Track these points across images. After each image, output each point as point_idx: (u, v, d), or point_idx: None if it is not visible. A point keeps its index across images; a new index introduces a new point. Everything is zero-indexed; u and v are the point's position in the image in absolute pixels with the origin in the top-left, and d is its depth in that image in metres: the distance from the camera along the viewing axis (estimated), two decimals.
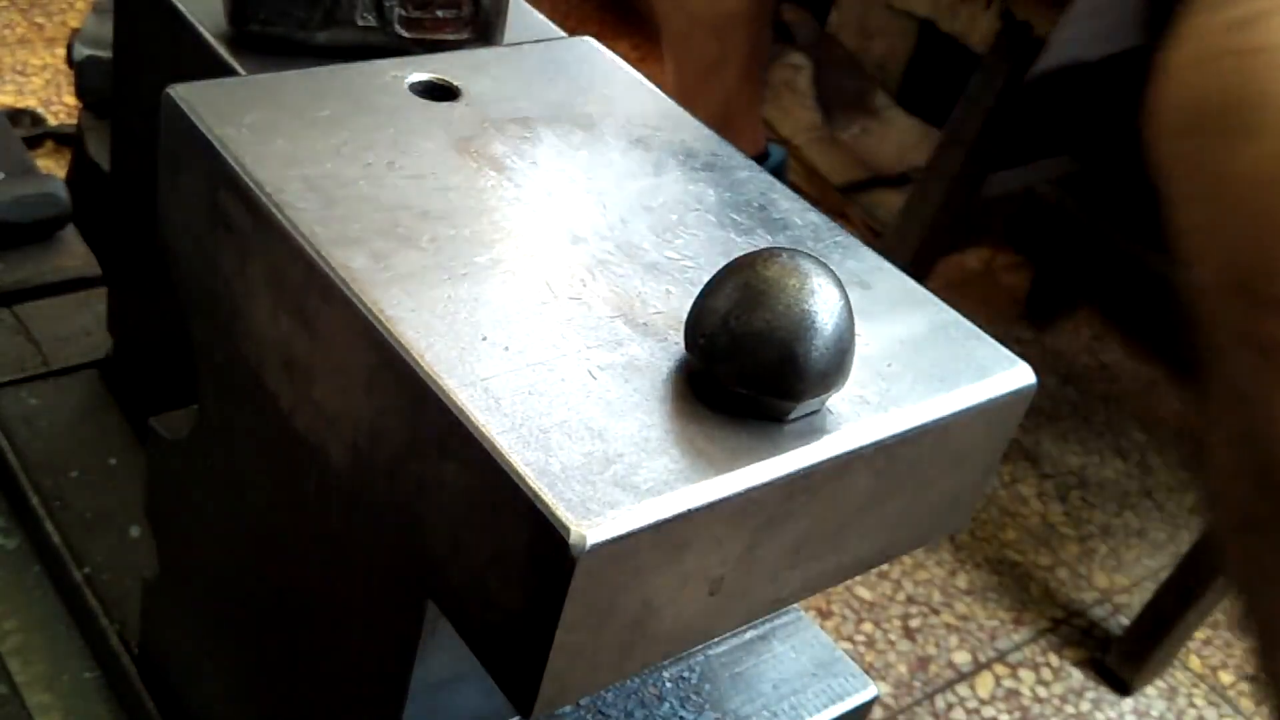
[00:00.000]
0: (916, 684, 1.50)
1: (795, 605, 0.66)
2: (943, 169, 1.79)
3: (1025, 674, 1.55)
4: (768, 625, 0.69)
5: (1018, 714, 1.50)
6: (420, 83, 0.59)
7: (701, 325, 0.45)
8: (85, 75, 1.10)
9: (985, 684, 1.52)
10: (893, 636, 1.54)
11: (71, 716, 0.74)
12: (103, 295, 0.95)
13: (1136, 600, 1.66)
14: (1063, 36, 1.35)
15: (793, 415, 0.46)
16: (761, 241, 0.55)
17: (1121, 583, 1.71)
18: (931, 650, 1.54)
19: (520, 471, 0.41)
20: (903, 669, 1.51)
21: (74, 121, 1.24)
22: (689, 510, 0.42)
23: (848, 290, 0.45)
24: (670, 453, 0.43)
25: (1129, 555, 1.76)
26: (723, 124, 0.75)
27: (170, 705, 0.72)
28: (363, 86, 0.58)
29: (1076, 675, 1.56)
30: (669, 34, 1.63)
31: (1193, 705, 1.56)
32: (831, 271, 0.45)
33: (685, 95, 1.43)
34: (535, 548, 0.40)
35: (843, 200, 2.14)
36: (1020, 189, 1.85)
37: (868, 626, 1.55)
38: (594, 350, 0.47)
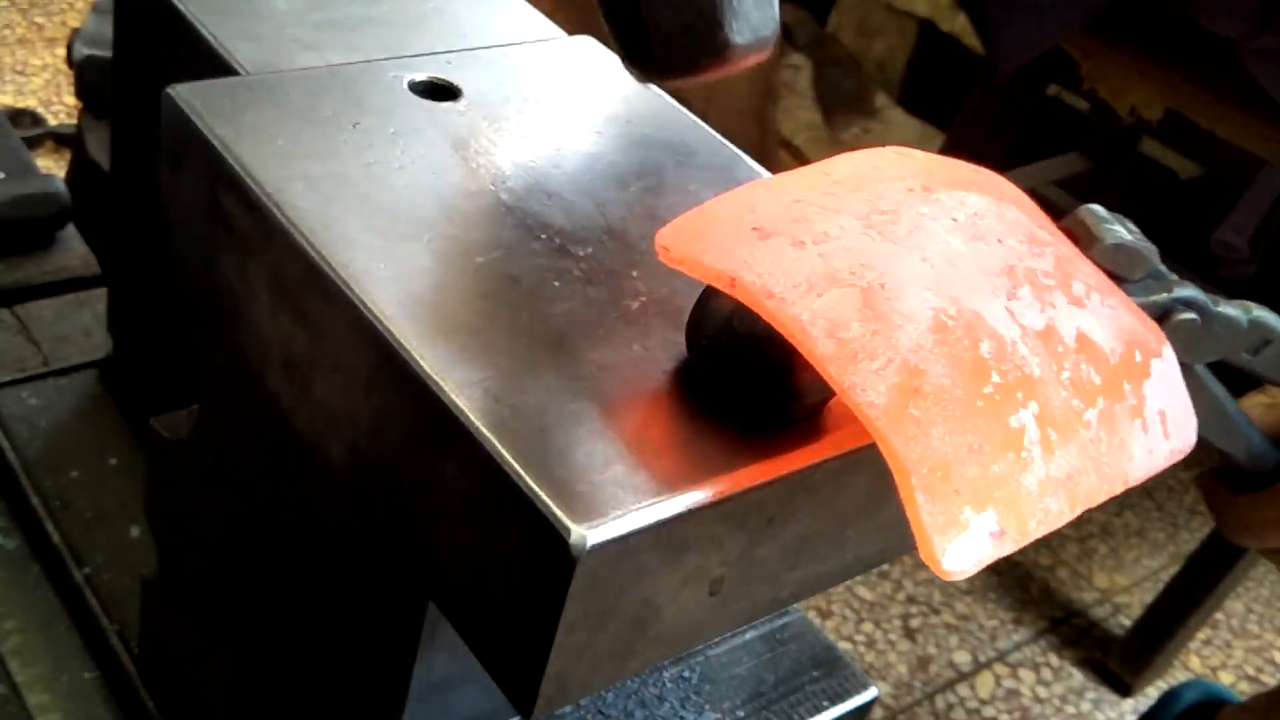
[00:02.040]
0: (916, 684, 1.50)
1: (795, 605, 0.66)
2: None
3: (1025, 674, 1.55)
4: (768, 625, 0.69)
5: (1018, 714, 1.50)
6: (420, 83, 0.59)
7: (703, 326, 0.45)
8: (85, 75, 1.09)
9: (985, 684, 1.52)
10: (893, 636, 1.54)
11: (71, 716, 0.74)
12: (103, 295, 0.95)
13: (1136, 600, 1.67)
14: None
15: (793, 415, 0.46)
16: None
17: (1121, 583, 1.71)
18: (931, 650, 1.54)
19: (520, 471, 0.41)
20: (903, 669, 1.51)
21: (74, 121, 1.24)
22: (689, 510, 0.42)
23: None
24: (670, 453, 0.43)
25: (1129, 555, 1.76)
26: None
27: (170, 705, 0.72)
28: (363, 86, 0.58)
29: (1077, 675, 1.56)
30: None
31: None
32: None
33: None
34: (536, 548, 0.40)
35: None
36: (1024, 190, 1.85)
37: (868, 626, 1.55)
38: (594, 350, 0.47)
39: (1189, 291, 0.55)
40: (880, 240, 0.44)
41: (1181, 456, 0.48)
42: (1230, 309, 0.57)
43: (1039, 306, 0.45)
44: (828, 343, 0.41)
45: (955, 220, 0.46)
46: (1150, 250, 0.53)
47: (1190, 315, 0.54)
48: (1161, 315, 0.53)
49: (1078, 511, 0.42)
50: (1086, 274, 0.49)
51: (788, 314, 0.41)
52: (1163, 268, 0.54)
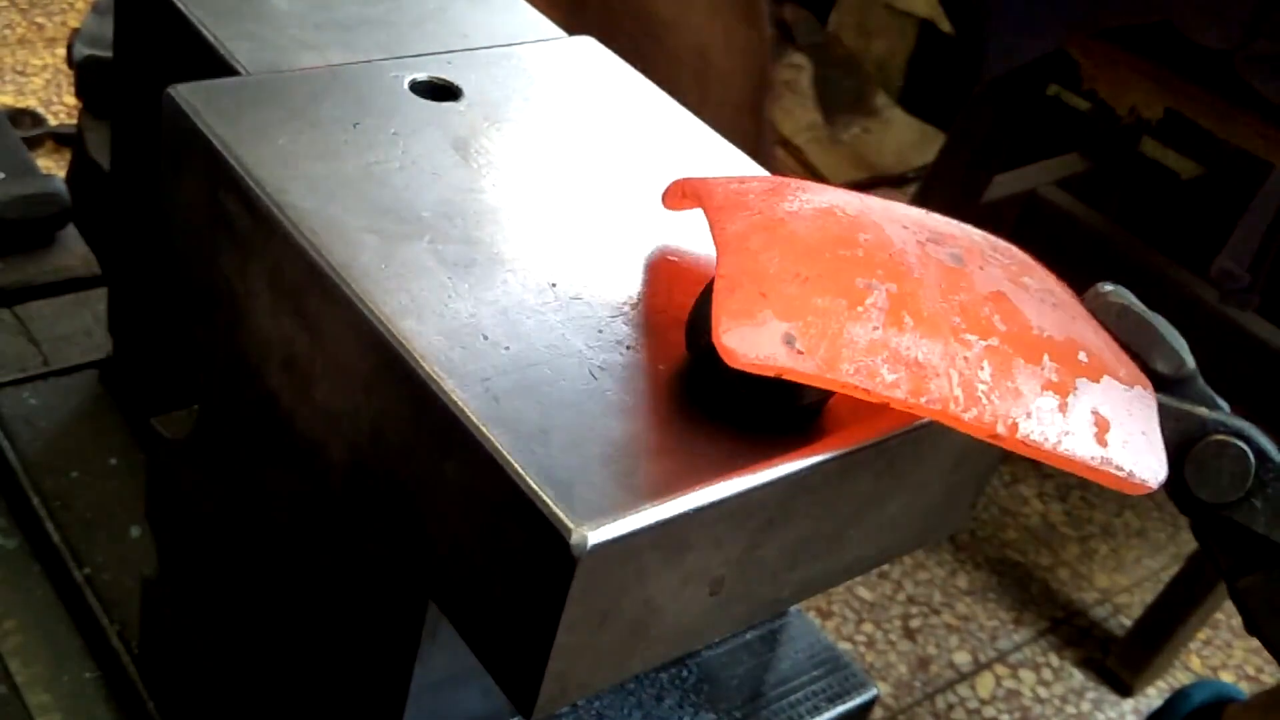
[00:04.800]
0: (917, 684, 1.50)
1: (795, 605, 0.66)
2: (946, 172, 1.79)
3: (1026, 674, 1.55)
4: (768, 625, 0.69)
5: (1018, 714, 1.50)
6: (420, 83, 0.59)
7: (703, 326, 0.45)
8: (85, 75, 1.09)
9: (985, 684, 1.52)
10: (893, 636, 1.54)
11: (71, 716, 0.74)
12: (103, 295, 0.95)
13: (1137, 600, 1.67)
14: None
15: (793, 416, 0.46)
16: None
17: (1122, 583, 1.71)
18: (932, 650, 1.54)
19: (520, 472, 0.41)
20: (903, 669, 1.51)
21: (74, 121, 1.24)
22: (690, 511, 0.42)
23: None
24: (671, 453, 0.43)
25: (1129, 555, 1.76)
26: None
27: (170, 705, 0.72)
28: (363, 86, 0.58)
29: (1077, 675, 1.56)
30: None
31: None
32: None
33: None
34: (536, 548, 0.40)
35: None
36: (1024, 191, 1.85)
37: (868, 626, 1.55)
38: (594, 350, 0.47)
39: (1241, 422, 0.50)
40: (838, 191, 0.48)
41: (1127, 484, 0.45)
42: None
43: (960, 259, 0.45)
44: (722, 199, 0.46)
45: (931, 218, 0.48)
46: (1175, 339, 0.49)
47: (1238, 444, 0.49)
48: (1198, 432, 0.49)
49: (921, 403, 0.42)
50: (1052, 287, 0.48)
51: (708, 188, 0.48)
52: (1202, 382, 0.50)
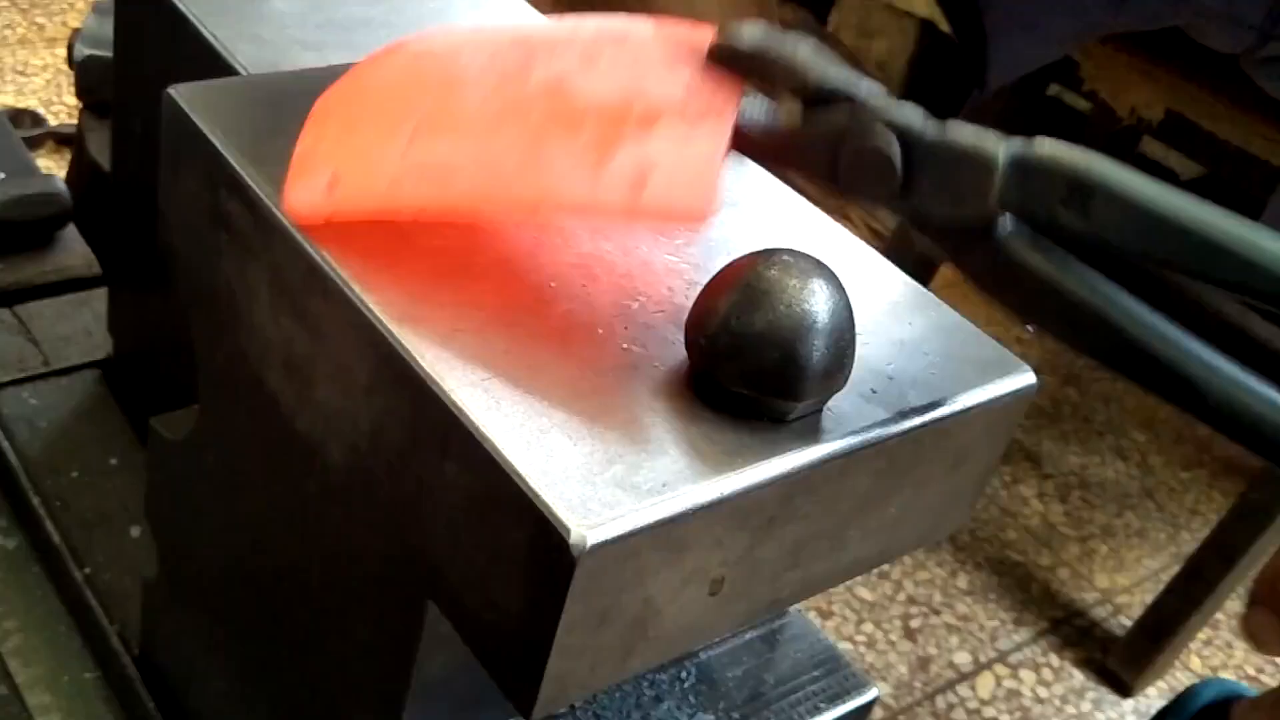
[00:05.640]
0: (917, 684, 1.50)
1: (795, 605, 0.66)
2: None
3: (1026, 674, 1.55)
4: (768, 625, 0.69)
5: (1018, 714, 1.50)
6: None
7: (702, 325, 0.45)
8: (85, 75, 1.09)
9: (986, 684, 1.52)
10: (893, 637, 1.54)
11: (71, 716, 0.74)
12: (103, 295, 0.95)
13: (1137, 600, 1.67)
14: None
15: (793, 415, 0.46)
16: (763, 243, 0.55)
17: (1122, 583, 1.71)
18: (932, 650, 1.54)
19: (520, 472, 0.41)
20: (903, 669, 1.51)
21: (74, 121, 1.24)
22: (689, 510, 0.42)
23: (848, 290, 0.45)
24: (671, 453, 0.43)
25: (1129, 555, 1.76)
26: None
27: (170, 705, 0.72)
28: None
29: (1077, 676, 1.56)
30: None
31: None
32: (832, 272, 0.45)
33: None
34: (535, 548, 0.40)
35: (844, 200, 2.13)
36: None
37: (868, 627, 1.55)
38: (594, 350, 0.47)
39: (879, 100, 0.42)
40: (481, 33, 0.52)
41: (674, 217, 0.46)
42: (966, 134, 0.42)
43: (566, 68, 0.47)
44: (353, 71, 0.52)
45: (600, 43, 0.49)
46: (808, 55, 0.42)
47: (873, 143, 0.42)
48: (842, 139, 0.43)
49: (452, 204, 0.46)
50: (651, 51, 0.47)
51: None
52: (852, 75, 0.42)
